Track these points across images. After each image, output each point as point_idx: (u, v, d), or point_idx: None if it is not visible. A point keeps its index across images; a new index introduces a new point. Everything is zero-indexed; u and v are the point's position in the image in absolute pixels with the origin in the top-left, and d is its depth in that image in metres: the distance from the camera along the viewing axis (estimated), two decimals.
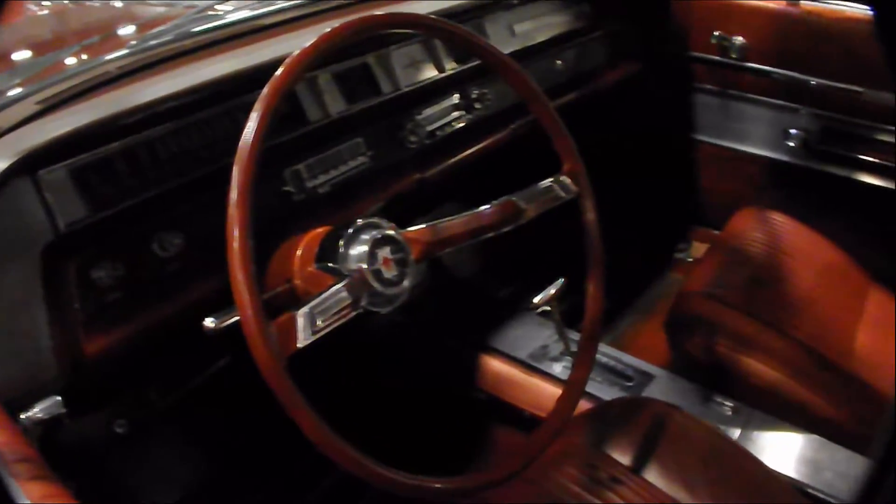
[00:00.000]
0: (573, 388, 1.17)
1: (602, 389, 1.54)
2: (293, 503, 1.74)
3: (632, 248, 2.40)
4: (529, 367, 1.62)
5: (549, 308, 1.34)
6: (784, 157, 2.16)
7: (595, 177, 2.18)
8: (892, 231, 1.94)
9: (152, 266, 1.08)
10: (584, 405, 1.43)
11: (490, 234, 1.14)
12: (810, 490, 1.32)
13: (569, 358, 1.62)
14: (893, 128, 1.97)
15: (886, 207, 2.00)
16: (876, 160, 2.02)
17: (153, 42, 1.35)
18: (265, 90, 0.93)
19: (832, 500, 1.31)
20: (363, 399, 1.76)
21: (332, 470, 1.74)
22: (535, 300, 1.32)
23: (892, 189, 2.00)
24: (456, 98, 1.58)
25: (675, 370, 1.63)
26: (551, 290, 1.33)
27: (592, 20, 2.05)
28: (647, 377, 1.57)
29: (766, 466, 1.31)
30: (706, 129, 2.33)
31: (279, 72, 0.95)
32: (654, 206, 2.44)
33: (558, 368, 1.63)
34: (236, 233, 0.85)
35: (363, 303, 0.97)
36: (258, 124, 0.91)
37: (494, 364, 1.67)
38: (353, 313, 0.95)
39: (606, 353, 1.64)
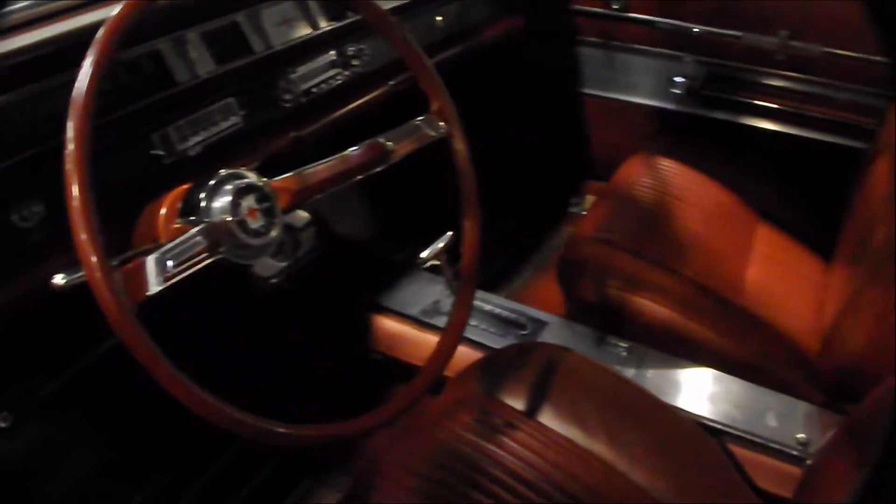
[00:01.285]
0: (451, 331, 1.15)
1: (496, 339, 1.52)
2: (197, 480, 1.69)
3: (526, 203, 2.41)
4: (421, 324, 1.60)
5: (437, 262, 1.31)
6: (670, 105, 2.19)
7: (484, 134, 2.18)
8: (776, 169, 1.99)
9: (13, 238, 1.03)
10: (478, 356, 1.42)
11: (360, 177, 1.12)
12: (707, 422, 1.33)
13: None
14: (773, 70, 2.02)
15: (769, 147, 2.05)
16: (758, 102, 2.06)
17: None
18: (99, 33, 0.88)
19: (730, 430, 1.32)
20: (256, 364, 1.72)
21: (234, 441, 1.71)
22: (423, 255, 1.30)
23: (774, 130, 2.04)
24: (332, 55, 1.55)
25: (569, 317, 1.63)
26: (439, 244, 1.31)
27: None
28: (541, 324, 1.56)
29: (661, 401, 1.32)
30: (593, 82, 2.34)
31: (114, 12, 0.90)
32: (546, 162, 2.44)
33: None
34: (75, 190, 0.81)
35: (223, 250, 0.93)
36: (92, 70, 0.85)
37: (387, 323, 1.64)
38: (212, 259, 0.91)
39: (500, 303, 1.63)
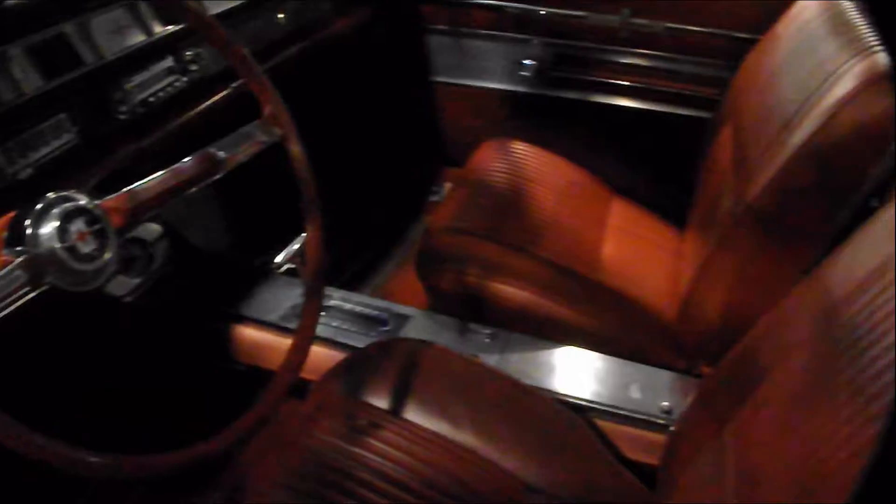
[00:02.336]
0: (301, 336, 1.13)
1: (358, 339, 1.51)
2: None
3: (387, 196, 2.40)
4: (281, 329, 1.57)
5: (293, 265, 1.29)
6: (521, 88, 2.21)
7: (338, 129, 2.16)
8: (627, 144, 2.03)
9: None
10: (341, 357, 1.40)
11: (194, 189, 1.08)
12: (572, 399, 1.35)
13: (322, 313, 1.58)
14: (619, 48, 2.06)
15: (620, 123, 2.09)
16: (606, 79, 2.11)
17: None
18: None
19: (595, 406, 1.35)
20: (113, 390, 1.66)
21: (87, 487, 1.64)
22: (278, 259, 1.27)
23: (623, 105, 2.09)
24: (169, 61, 1.49)
25: (432, 308, 1.62)
26: (294, 247, 1.28)
27: None
28: (404, 319, 1.56)
29: (524, 385, 1.33)
30: (444, 70, 2.34)
31: None
32: (404, 153, 2.44)
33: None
34: None
35: (50, 280, 0.88)
36: None
37: (247, 332, 1.61)
38: (36, 292, 0.86)
39: (361, 301, 1.61)
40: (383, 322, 1.56)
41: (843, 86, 1.21)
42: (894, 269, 0.85)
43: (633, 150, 2.08)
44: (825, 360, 0.86)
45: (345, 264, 2.13)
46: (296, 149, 1.20)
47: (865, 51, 1.25)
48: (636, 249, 1.75)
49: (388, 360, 1.31)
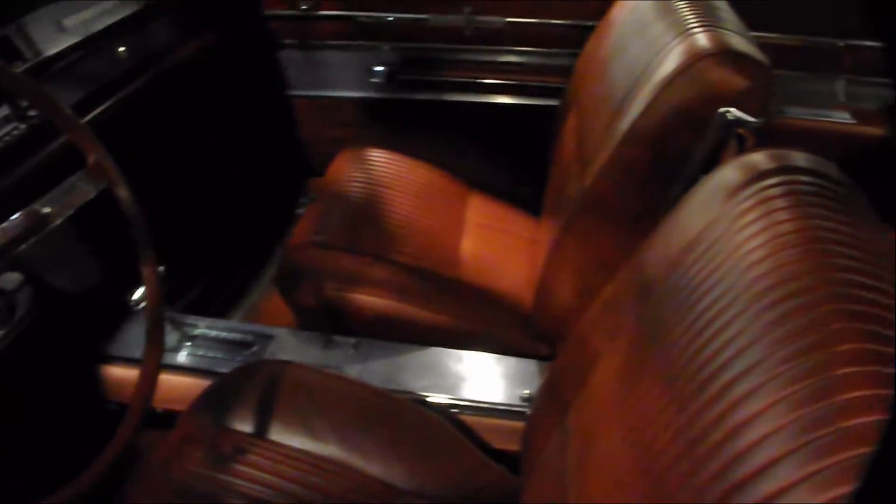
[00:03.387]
0: (146, 372, 1.14)
1: (225, 364, 1.52)
2: None
3: (255, 216, 2.40)
4: None
5: None
6: (374, 94, 2.24)
7: (197, 155, 2.15)
8: (481, 138, 2.08)
9: None
10: (207, 384, 1.41)
11: (21, 247, 1.07)
12: (436, 399, 1.39)
13: (188, 343, 1.59)
14: (466, 46, 2.11)
15: (473, 119, 2.14)
16: (456, 78, 2.15)
17: None
18: None
19: (459, 402, 1.39)
20: None
21: None
22: (135, 296, 1.27)
23: (474, 101, 2.14)
24: (6, 110, 1.47)
25: (298, 325, 1.65)
26: None
27: None
28: (268, 339, 1.57)
29: (385, 391, 1.36)
30: (299, 83, 2.35)
31: None
32: (268, 170, 2.45)
33: (181, 357, 1.59)
34: None
35: None
36: None
37: (116, 371, 1.60)
38: None
39: (227, 326, 1.62)
40: (249, 345, 1.57)
41: (666, 67, 1.26)
42: (699, 246, 0.90)
43: (488, 144, 2.13)
44: (641, 343, 0.90)
45: (213, 292, 2.13)
46: (123, 194, 1.19)
47: (686, 31, 1.31)
48: (495, 243, 1.80)
49: (250, 385, 1.33)
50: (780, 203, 0.86)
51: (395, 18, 2.13)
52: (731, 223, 0.88)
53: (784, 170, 0.93)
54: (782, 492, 0.58)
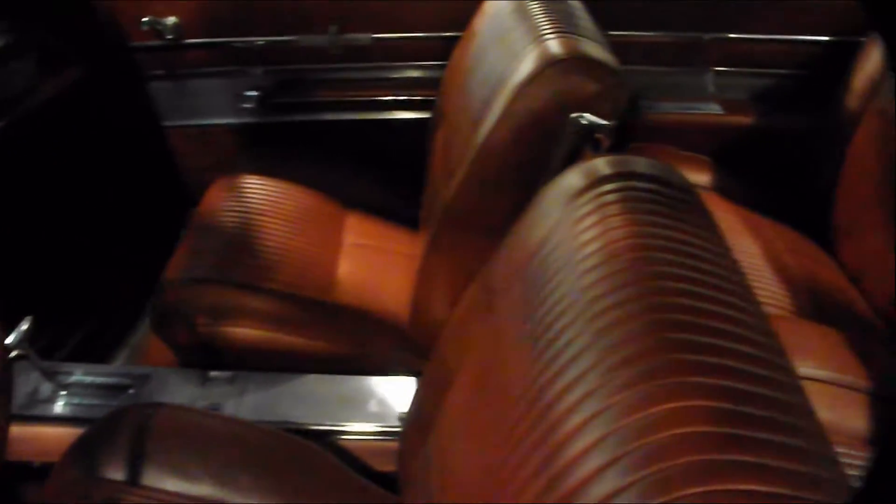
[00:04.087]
0: None
1: (101, 410, 1.49)
2: None
3: (134, 255, 2.36)
4: (25, 418, 1.53)
5: (22, 351, 1.26)
6: (247, 120, 2.23)
7: (70, 198, 2.11)
8: (357, 157, 2.09)
9: None
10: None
11: None
12: (312, 427, 1.39)
13: (63, 392, 1.56)
14: (336, 65, 2.13)
15: (348, 138, 2.16)
16: (329, 98, 2.17)
17: None
18: None
19: (338, 427, 1.38)
20: None
21: None
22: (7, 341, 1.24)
23: (348, 120, 2.15)
24: None
25: (177, 363, 1.63)
26: (23, 327, 1.26)
27: (11, 38, 1.95)
28: (145, 380, 1.55)
29: (260, 425, 1.35)
30: (172, 114, 2.33)
31: None
32: (146, 206, 2.41)
33: (57, 408, 1.56)
34: None
35: None
36: None
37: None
38: None
39: (104, 371, 1.59)
40: (126, 388, 1.55)
41: (518, 75, 1.28)
42: (541, 252, 0.92)
43: (365, 161, 2.15)
44: (487, 357, 0.92)
45: (96, 336, 2.10)
46: None
47: (539, 38, 1.33)
48: (373, 262, 1.80)
49: (121, 430, 1.31)
50: (615, 209, 0.89)
51: (264, 42, 2.13)
52: (570, 228, 0.89)
53: (623, 175, 0.95)
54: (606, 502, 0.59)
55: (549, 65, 1.25)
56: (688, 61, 2.27)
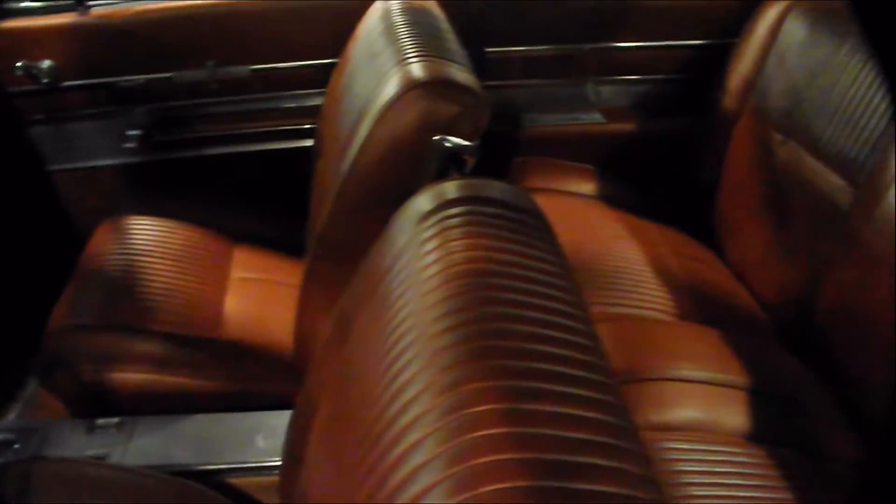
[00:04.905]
0: None
1: None
2: None
3: (23, 306, 2.33)
4: None
5: None
6: (130, 159, 2.22)
7: None
8: (243, 190, 2.10)
9: None
10: None
11: None
12: (197, 468, 1.39)
13: None
14: (218, 99, 2.14)
15: (233, 171, 2.17)
16: (213, 132, 2.18)
17: None
18: None
19: (224, 467, 1.39)
20: None
21: None
22: None
23: (233, 153, 2.16)
24: None
25: (67, 414, 1.62)
26: None
27: None
28: (31, 434, 1.53)
29: (142, 470, 1.35)
30: (55, 158, 2.31)
31: None
32: (35, 252, 2.39)
33: None
34: None
35: None
36: None
37: None
38: None
39: None
40: (11, 444, 1.54)
41: (381, 100, 1.31)
42: (389, 276, 0.95)
43: (252, 194, 2.16)
44: (342, 386, 0.94)
45: None
46: None
47: (402, 62, 1.37)
48: (260, 295, 1.82)
49: (1, 487, 1.31)
50: (457, 233, 0.92)
51: (144, 80, 2.13)
52: (415, 250, 0.92)
53: (468, 199, 0.98)
54: None
55: (410, 89, 1.28)
56: (569, 73, 2.33)
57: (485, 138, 2.14)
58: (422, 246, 0.92)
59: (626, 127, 2.30)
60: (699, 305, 1.79)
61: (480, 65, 2.13)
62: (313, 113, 2.06)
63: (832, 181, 1.75)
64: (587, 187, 2.23)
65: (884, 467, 0.61)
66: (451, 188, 1.01)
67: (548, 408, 0.66)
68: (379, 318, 0.89)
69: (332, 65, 1.94)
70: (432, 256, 0.89)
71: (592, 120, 2.30)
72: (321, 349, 1.08)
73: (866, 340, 1.57)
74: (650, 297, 1.77)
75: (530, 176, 2.19)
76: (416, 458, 0.64)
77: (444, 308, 0.79)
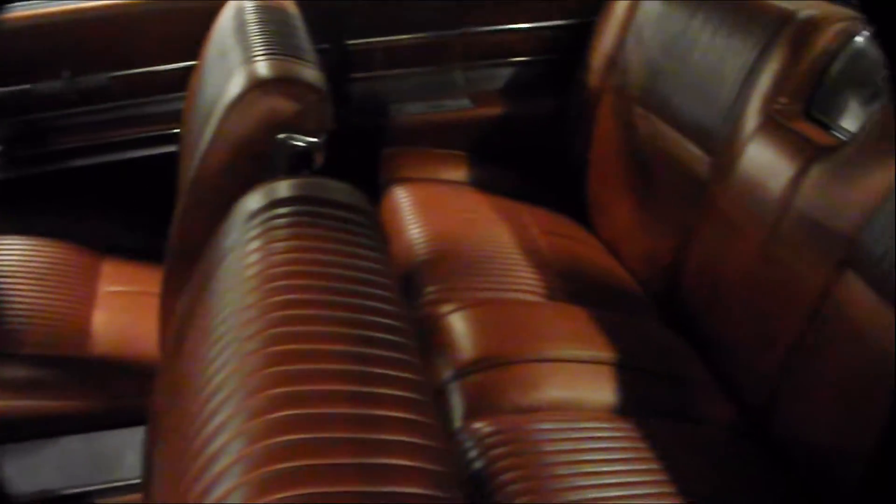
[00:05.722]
0: None
1: None
2: None
3: None
4: None
5: None
6: None
7: None
8: (109, 201, 2.06)
9: None
10: None
11: None
12: (74, 490, 1.37)
13: None
14: (81, 109, 2.09)
15: (98, 182, 2.12)
16: (76, 143, 2.13)
17: None
18: None
19: (98, 488, 1.37)
20: None
21: None
22: None
23: (99, 163, 2.12)
24: None
25: None
26: None
27: None
28: None
29: (13, 496, 1.32)
30: None
31: None
32: None
33: None
34: None
35: None
36: None
37: None
38: None
39: None
40: None
41: (225, 100, 1.30)
42: (214, 277, 0.94)
43: (119, 204, 2.11)
44: (170, 398, 0.93)
45: None
46: None
47: (247, 60, 1.35)
48: (129, 308, 1.78)
49: None
50: (283, 233, 0.92)
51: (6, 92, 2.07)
52: (240, 250, 0.92)
53: (298, 199, 0.98)
54: None
55: (253, 87, 1.27)
56: (435, 60, 2.34)
57: (352, 132, 2.15)
58: (246, 246, 0.91)
59: (495, 111, 2.33)
60: (571, 284, 1.82)
61: (343, 58, 2.14)
62: (177, 117, 2.02)
63: (691, 151, 1.80)
64: (458, 174, 2.24)
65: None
66: (282, 188, 1.01)
67: (347, 410, 0.66)
68: (204, 322, 0.89)
69: (192, 67, 1.91)
70: (254, 257, 0.89)
71: (460, 106, 2.31)
72: (163, 358, 1.07)
73: (729, 305, 1.62)
74: (520, 280, 1.79)
75: (400, 166, 2.20)
76: (222, 462, 0.64)
77: (257, 310, 0.79)
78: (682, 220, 1.79)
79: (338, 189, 1.02)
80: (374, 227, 0.99)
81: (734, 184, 1.63)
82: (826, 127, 1.62)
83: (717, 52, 1.81)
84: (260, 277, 0.85)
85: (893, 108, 1.37)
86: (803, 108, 1.66)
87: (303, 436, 0.63)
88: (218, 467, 0.65)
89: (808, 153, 1.52)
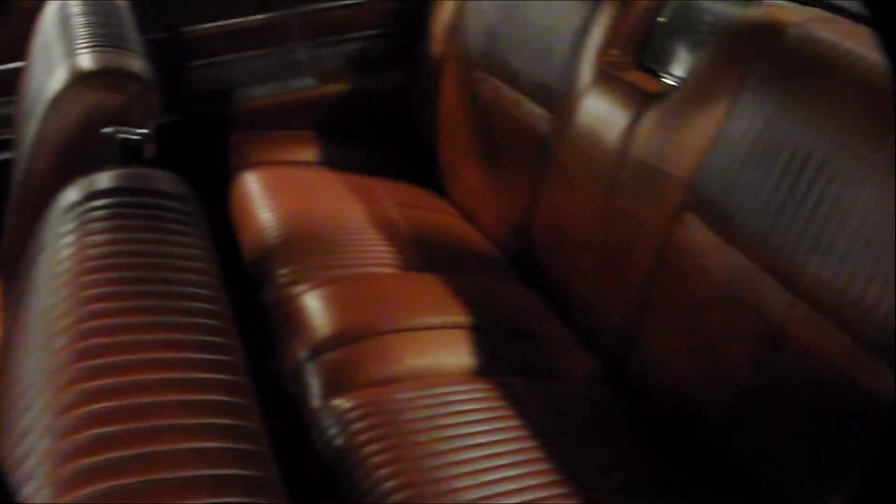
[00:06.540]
0: None
1: None
2: None
3: None
4: None
5: None
6: None
7: None
8: None
9: None
10: None
11: None
12: None
13: None
14: None
15: None
16: None
17: None
18: None
19: None
20: None
21: None
22: None
23: None
24: None
25: None
26: None
27: None
28: None
29: None
30: None
31: None
32: None
33: None
34: None
35: None
36: None
37: None
38: None
39: None
40: None
41: (45, 99, 1.25)
42: (29, 274, 0.91)
43: None
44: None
45: None
46: None
47: (69, 54, 1.31)
48: None
49: None
50: (99, 226, 0.90)
51: None
52: (55, 244, 0.90)
53: (117, 190, 0.96)
54: None
55: (75, 81, 1.23)
56: (277, 40, 2.30)
57: (197, 120, 2.11)
58: (60, 239, 0.89)
59: (342, 88, 2.31)
60: (426, 253, 1.83)
61: (181, 46, 2.09)
62: (9, 122, 1.95)
63: (532, 110, 1.83)
64: (309, 154, 2.22)
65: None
66: (101, 180, 0.99)
67: (160, 398, 0.66)
68: (22, 320, 0.87)
69: (21, 68, 1.84)
70: (68, 251, 0.87)
71: (305, 85, 2.29)
72: None
73: (578, 258, 1.65)
74: (375, 254, 1.79)
75: (249, 151, 2.16)
76: (31, 461, 0.63)
77: (68, 305, 0.78)
78: (529, 178, 1.81)
79: (159, 178, 1.01)
80: (195, 214, 0.98)
81: (573, 138, 1.66)
82: (657, 75, 1.66)
83: (552, 10, 1.84)
84: (73, 272, 0.83)
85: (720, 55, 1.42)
86: (634, 59, 1.70)
87: (112, 428, 0.62)
88: (27, 466, 0.63)
89: (640, 102, 1.56)
